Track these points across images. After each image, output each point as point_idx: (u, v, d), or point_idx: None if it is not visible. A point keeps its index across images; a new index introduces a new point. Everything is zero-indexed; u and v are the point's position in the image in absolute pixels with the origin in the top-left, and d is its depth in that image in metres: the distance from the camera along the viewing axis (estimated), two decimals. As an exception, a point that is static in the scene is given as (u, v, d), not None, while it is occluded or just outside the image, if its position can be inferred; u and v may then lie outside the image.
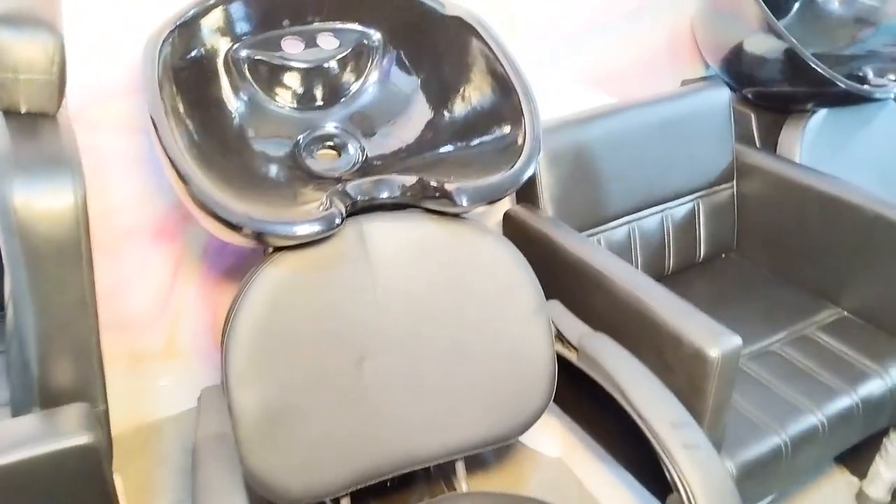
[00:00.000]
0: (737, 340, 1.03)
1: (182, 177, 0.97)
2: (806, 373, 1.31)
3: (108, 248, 1.46)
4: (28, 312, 0.82)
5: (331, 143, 1.26)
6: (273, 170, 1.19)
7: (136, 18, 1.25)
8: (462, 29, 1.23)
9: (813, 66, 1.54)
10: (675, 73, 2.02)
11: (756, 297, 1.53)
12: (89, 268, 0.82)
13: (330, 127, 1.26)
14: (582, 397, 1.21)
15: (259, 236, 0.97)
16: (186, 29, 1.13)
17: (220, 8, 1.17)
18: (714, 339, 1.03)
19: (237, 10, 1.19)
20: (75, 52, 1.22)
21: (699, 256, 1.61)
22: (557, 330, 1.16)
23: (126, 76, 1.31)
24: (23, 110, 0.82)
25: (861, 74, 1.71)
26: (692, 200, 1.57)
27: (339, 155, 1.25)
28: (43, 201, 0.76)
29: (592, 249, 1.24)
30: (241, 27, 1.21)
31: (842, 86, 1.54)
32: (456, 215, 1.11)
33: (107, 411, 0.94)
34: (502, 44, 1.21)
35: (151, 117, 1.00)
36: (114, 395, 1.58)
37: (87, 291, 0.82)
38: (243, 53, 1.21)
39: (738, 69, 1.75)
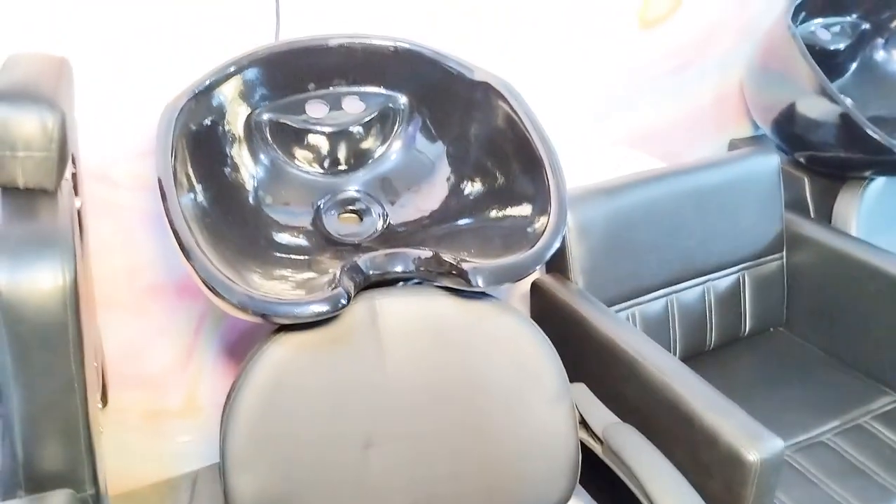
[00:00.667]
0: (778, 444, 0.94)
1: (185, 250, 0.93)
2: (859, 469, 1.20)
3: (132, 306, 1.44)
4: (13, 396, 0.78)
5: (353, 208, 1.22)
6: (290, 236, 1.16)
7: (163, 77, 1.25)
8: (490, 95, 1.19)
9: (870, 132, 1.44)
10: (721, 133, 1.94)
11: (805, 378, 1.42)
12: (78, 350, 0.79)
13: (352, 191, 1.23)
14: (610, 486, 1.12)
15: (262, 316, 0.93)
16: (206, 95, 1.11)
17: (242, 74, 1.15)
18: (753, 442, 0.93)
19: (261, 74, 1.17)
20: (102, 111, 1.23)
21: (744, 331, 1.51)
22: (582, 416, 1.08)
23: (148, 136, 1.29)
24: (21, 186, 0.80)
25: (924, 140, 1.60)
26: (737, 272, 1.47)
27: (361, 220, 1.21)
28: (28, 284, 0.73)
29: (624, 330, 1.16)
30: (265, 91, 1.18)
31: (902, 154, 1.44)
32: (474, 291, 1.05)
33: (97, 494, 0.89)
34: (531, 112, 1.16)
35: (161, 187, 0.97)
36: (132, 451, 1.57)
37: (75, 375, 0.79)
38: (266, 117, 1.19)
39: (790, 132, 1.66)
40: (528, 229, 1.07)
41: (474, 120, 1.20)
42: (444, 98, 1.22)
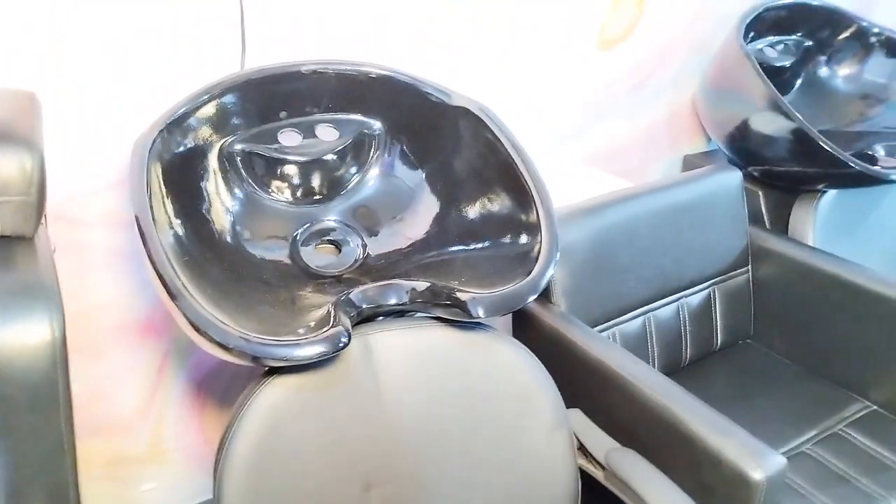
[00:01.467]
0: (781, 461, 0.95)
1: (171, 293, 0.88)
2: (842, 477, 1.23)
3: (90, 349, 1.36)
4: (-3, 461, 0.72)
5: (329, 238, 1.18)
6: (268, 271, 1.11)
7: (119, 109, 1.19)
8: (469, 120, 1.17)
9: (824, 146, 1.49)
10: (675, 149, 1.98)
11: (779, 389, 1.45)
12: (68, 409, 0.73)
13: (329, 221, 1.19)
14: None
15: (255, 359, 0.88)
16: (177, 127, 1.06)
17: (213, 103, 1.10)
18: (757, 461, 0.94)
19: (231, 104, 1.12)
20: (55, 146, 1.16)
21: (716, 345, 1.54)
22: (580, 443, 1.07)
23: (110, 169, 1.23)
24: (-4, 234, 0.73)
25: (871, 153, 1.67)
26: (708, 287, 1.50)
27: (339, 250, 1.17)
28: (15, 343, 0.67)
29: (614, 352, 1.15)
30: (236, 121, 1.14)
31: (855, 167, 1.49)
32: (467, 322, 1.03)
33: (84, 562, 0.83)
34: (512, 135, 1.15)
35: (140, 228, 0.92)
36: (93, 503, 1.48)
37: (65, 436, 0.73)
38: (238, 147, 1.14)
39: (744, 147, 1.71)
40: (519, 255, 1.06)
41: (454, 145, 1.18)
42: (422, 124, 1.20)
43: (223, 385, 1.54)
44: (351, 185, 1.22)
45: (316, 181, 1.20)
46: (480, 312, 0.96)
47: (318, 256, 1.16)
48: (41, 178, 0.73)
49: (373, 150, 1.22)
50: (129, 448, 1.49)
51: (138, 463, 1.51)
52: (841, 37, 1.82)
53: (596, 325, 1.32)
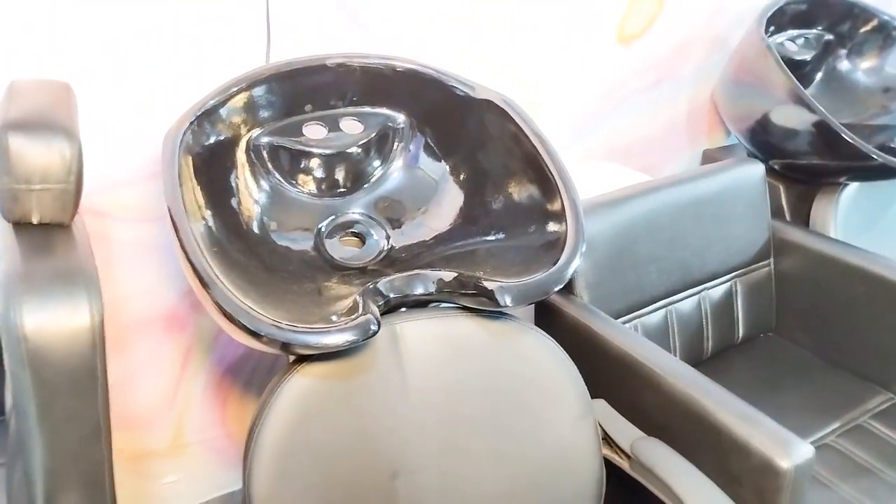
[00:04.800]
0: (809, 450, 0.95)
1: (204, 282, 0.89)
2: (866, 469, 1.22)
3: (114, 343, 1.37)
4: (35, 445, 0.73)
5: (354, 231, 1.19)
6: (294, 262, 1.12)
7: (145, 102, 1.20)
8: (493, 113, 1.18)
9: (847, 139, 1.49)
10: (694, 144, 1.98)
11: (801, 381, 1.44)
12: (105, 394, 0.74)
13: (353, 214, 1.20)
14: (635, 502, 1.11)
15: (286, 347, 0.89)
16: (207, 119, 1.07)
17: (241, 96, 1.11)
18: (785, 449, 0.94)
19: (258, 97, 1.13)
20: (87, 139, 1.17)
21: (738, 338, 1.53)
22: (605, 433, 1.07)
23: (136, 163, 1.24)
24: (35, 221, 0.75)
25: (893, 146, 1.66)
26: (729, 280, 1.49)
27: (363, 243, 1.18)
28: (56, 327, 0.68)
29: (639, 343, 1.15)
30: (262, 114, 1.15)
31: (878, 160, 1.48)
32: (494, 311, 1.03)
33: (119, 547, 0.84)
34: (536, 127, 1.16)
35: (172, 218, 0.93)
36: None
37: (101, 421, 0.74)
38: (264, 140, 1.15)
39: (764, 140, 1.70)
40: (544, 245, 1.06)
41: (479, 138, 1.19)
42: (447, 117, 1.20)
43: (245, 378, 1.55)
44: (375, 177, 1.22)
45: (340, 174, 1.21)
46: (508, 301, 0.96)
47: (342, 248, 1.16)
48: (79, 166, 0.74)
49: (397, 142, 1.22)
50: (151, 441, 1.50)
51: (160, 456, 1.53)
52: (862, 30, 1.81)
53: (618, 318, 1.32)
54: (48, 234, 0.75)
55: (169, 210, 0.93)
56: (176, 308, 1.41)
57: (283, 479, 0.92)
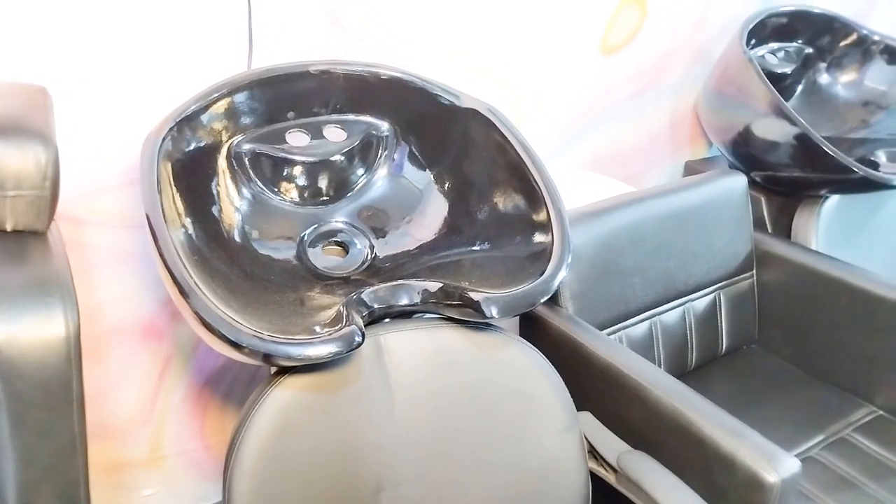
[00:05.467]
0: (796, 464, 0.94)
1: (184, 291, 0.87)
2: (851, 483, 1.22)
3: (91, 352, 1.34)
4: (8, 459, 0.70)
5: (337, 240, 1.17)
6: (276, 271, 1.10)
7: (123, 107, 1.17)
8: (478, 122, 1.17)
9: (829, 152, 1.50)
10: (676, 155, 1.99)
11: (784, 394, 1.44)
12: (81, 407, 0.71)
13: (336, 222, 1.18)
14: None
15: (267, 358, 0.87)
16: (187, 125, 1.05)
17: (222, 102, 1.09)
18: (771, 463, 0.93)
19: (240, 103, 1.12)
20: (62, 144, 1.15)
21: (721, 350, 1.53)
22: (591, 446, 1.06)
23: (115, 169, 1.22)
24: (8, 228, 0.72)
25: (873, 159, 1.68)
26: (713, 292, 1.49)
27: (346, 252, 1.16)
28: (29, 338, 0.66)
29: (625, 355, 1.15)
30: (244, 120, 1.13)
31: (859, 173, 1.50)
32: (479, 322, 1.02)
33: (92, 565, 0.81)
34: (521, 137, 1.15)
35: (150, 226, 0.91)
36: (91, 509, 1.46)
37: (77, 435, 0.72)
38: (246, 147, 1.13)
39: (745, 152, 1.71)
40: (530, 256, 1.05)
41: (463, 147, 1.18)
42: (431, 125, 1.19)
43: (225, 390, 1.52)
44: (358, 186, 1.21)
45: (323, 182, 1.19)
46: (494, 312, 0.95)
47: (325, 258, 1.15)
48: (55, 172, 0.72)
49: (381, 151, 1.21)
50: (128, 453, 1.47)
51: (137, 468, 1.49)
52: (841, 44, 1.83)
53: (603, 329, 1.32)
54: (22, 242, 0.73)
55: (147, 217, 0.91)
56: (154, 317, 1.38)
57: (264, 494, 0.90)
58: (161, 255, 0.89)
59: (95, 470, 1.44)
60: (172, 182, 1.01)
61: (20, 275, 0.70)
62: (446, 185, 1.18)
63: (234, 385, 1.52)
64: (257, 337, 0.86)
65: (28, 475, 0.70)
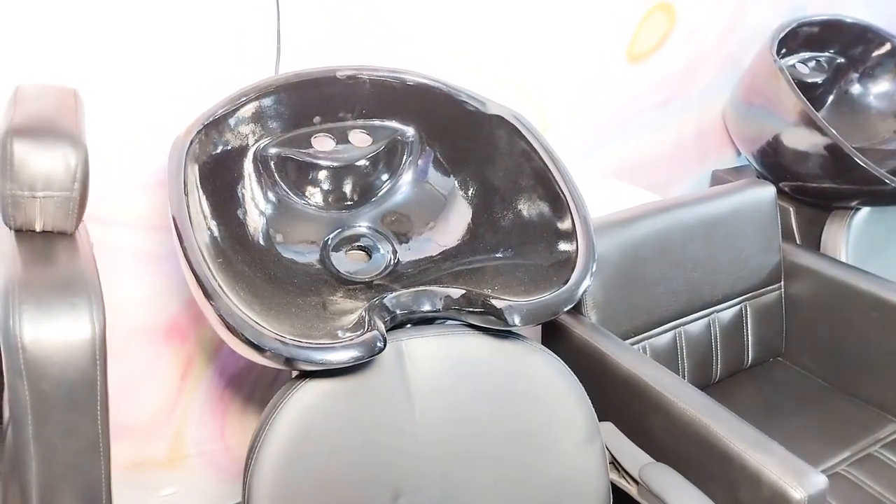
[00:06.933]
0: (822, 480, 0.92)
1: (208, 293, 0.87)
2: (879, 500, 1.20)
3: (114, 351, 1.34)
4: (30, 457, 0.71)
5: (360, 245, 1.17)
6: (299, 275, 1.10)
7: (152, 111, 1.18)
8: (503, 128, 1.16)
9: (860, 163, 1.47)
10: (703, 164, 1.97)
11: (810, 408, 1.42)
12: (105, 408, 0.72)
13: (360, 227, 1.18)
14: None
15: (289, 362, 0.87)
16: (214, 128, 1.05)
17: (249, 106, 1.10)
18: (798, 479, 0.92)
19: (267, 107, 1.12)
20: (90, 144, 1.16)
21: (747, 362, 1.51)
22: (613, 457, 1.05)
23: (143, 171, 1.23)
24: (38, 229, 0.73)
25: (906, 171, 1.65)
26: (739, 303, 1.47)
27: (370, 257, 1.16)
28: (55, 338, 0.66)
29: (649, 366, 1.13)
30: (271, 125, 1.13)
31: (891, 185, 1.47)
32: (501, 330, 1.01)
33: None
34: (547, 144, 1.14)
35: (176, 227, 0.91)
36: (112, 508, 1.47)
37: (100, 435, 0.72)
38: (272, 151, 1.14)
39: (774, 162, 1.69)
40: (554, 264, 1.04)
41: (489, 153, 1.17)
42: (457, 131, 1.19)
43: (246, 392, 1.53)
44: (382, 191, 1.21)
45: (348, 187, 1.19)
46: (517, 320, 0.94)
47: (348, 262, 1.15)
48: (84, 174, 0.73)
49: (405, 156, 1.21)
50: (149, 452, 1.48)
51: (158, 468, 1.50)
52: (874, 54, 1.80)
53: (626, 339, 1.30)
54: (51, 243, 0.74)
55: (173, 219, 0.92)
56: (177, 318, 1.39)
57: (283, 496, 0.90)
58: (186, 257, 0.89)
59: (116, 469, 1.43)
60: (199, 185, 1.01)
61: (47, 275, 0.70)
62: (470, 191, 1.17)
63: (255, 387, 1.53)
64: (280, 341, 0.86)
65: (50, 474, 0.71)
